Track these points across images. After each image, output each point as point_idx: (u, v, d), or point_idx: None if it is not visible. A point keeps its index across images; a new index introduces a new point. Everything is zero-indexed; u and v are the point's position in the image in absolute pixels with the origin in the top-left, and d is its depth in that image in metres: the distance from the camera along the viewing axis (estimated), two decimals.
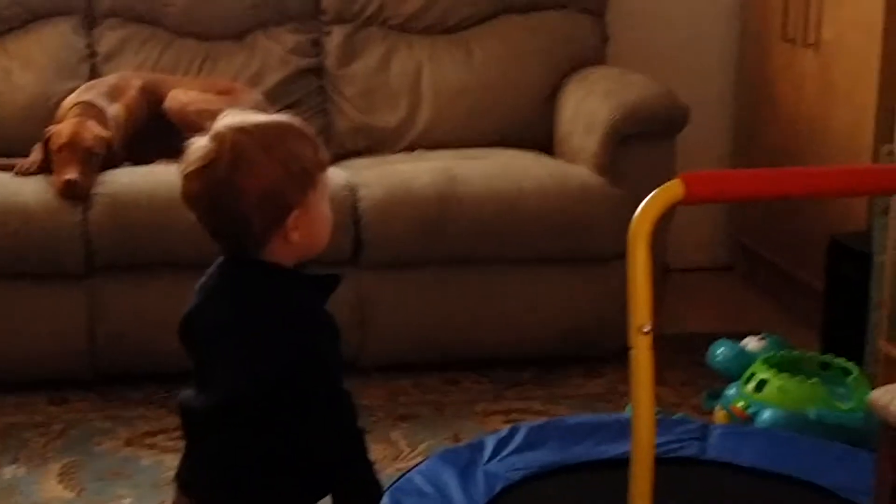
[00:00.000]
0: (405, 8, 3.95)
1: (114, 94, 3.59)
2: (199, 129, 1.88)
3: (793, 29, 3.92)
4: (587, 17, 4.02)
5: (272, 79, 3.88)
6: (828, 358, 3.18)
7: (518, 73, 3.92)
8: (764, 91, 4.17)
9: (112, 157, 3.40)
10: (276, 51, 3.91)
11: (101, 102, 3.52)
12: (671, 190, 1.62)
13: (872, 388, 2.34)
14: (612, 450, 2.50)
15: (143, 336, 3.29)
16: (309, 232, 1.87)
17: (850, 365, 3.12)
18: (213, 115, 1.91)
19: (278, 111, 3.33)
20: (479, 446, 2.56)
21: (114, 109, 3.54)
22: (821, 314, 3.55)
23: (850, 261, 3.45)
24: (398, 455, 2.98)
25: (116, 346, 3.33)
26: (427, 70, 3.93)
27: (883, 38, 3.46)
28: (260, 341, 1.84)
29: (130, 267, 3.31)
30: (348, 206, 3.36)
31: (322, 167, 1.89)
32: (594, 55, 4.00)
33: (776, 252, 4.12)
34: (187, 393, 1.93)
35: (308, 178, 1.86)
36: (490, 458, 2.51)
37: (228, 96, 3.62)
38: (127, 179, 3.33)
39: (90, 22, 3.87)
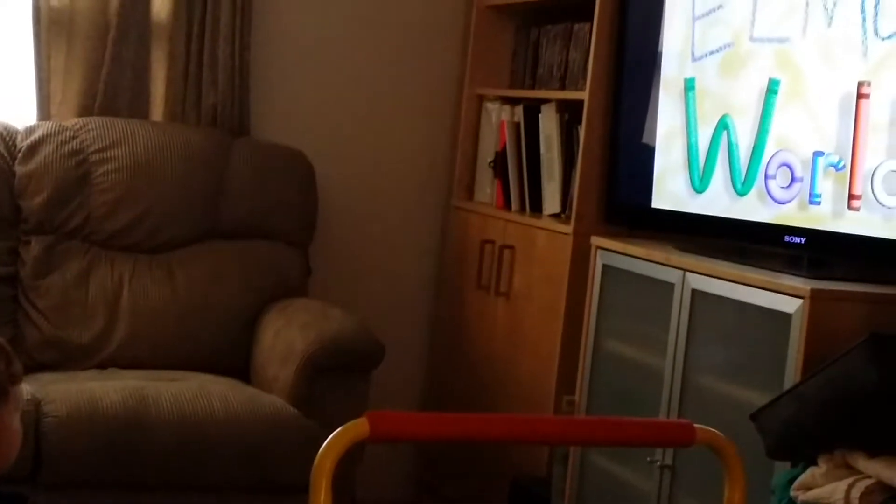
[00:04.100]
0: (109, 224, 3.91)
1: None
2: None
3: (486, 277, 4.09)
4: (291, 249, 4.09)
5: None
6: None
7: (219, 298, 3.93)
8: (457, 335, 4.28)
9: None
10: None
11: None
12: (357, 427, 1.65)
13: None
14: None
15: None
16: None
17: None
18: None
19: None
20: None
21: None
22: None
23: None
24: None
25: None
26: (127, 288, 3.88)
27: (567, 293, 3.63)
28: None
29: None
30: (31, 422, 3.23)
31: (14, 381, 1.84)
32: (296, 286, 4.06)
33: (461, 492, 4.17)
34: None
35: None
36: None
37: None
38: None
39: None
